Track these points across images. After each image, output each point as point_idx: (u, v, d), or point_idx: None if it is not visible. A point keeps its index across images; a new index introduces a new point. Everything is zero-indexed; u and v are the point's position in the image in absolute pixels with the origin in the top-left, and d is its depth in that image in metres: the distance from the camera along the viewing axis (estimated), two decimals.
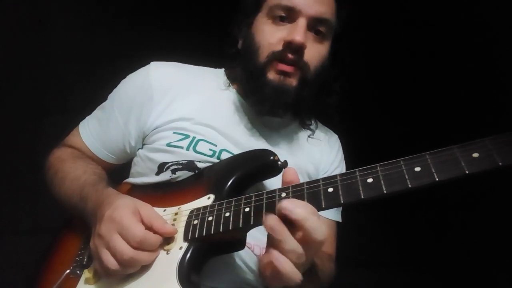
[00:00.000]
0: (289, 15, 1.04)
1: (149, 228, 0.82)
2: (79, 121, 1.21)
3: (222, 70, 1.24)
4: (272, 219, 0.70)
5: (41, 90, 2.04)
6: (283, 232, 0.69)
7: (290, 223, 0.69)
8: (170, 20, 2.11)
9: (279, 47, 1.03)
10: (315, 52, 1.06)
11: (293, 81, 1.04)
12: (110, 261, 0.79)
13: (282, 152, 1.10)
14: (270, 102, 1.05)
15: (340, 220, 1.21)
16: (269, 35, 1.05)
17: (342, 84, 1.20)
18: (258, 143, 1.12)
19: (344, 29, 1.13)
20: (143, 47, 1.97)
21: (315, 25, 1.05)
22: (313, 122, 1.25)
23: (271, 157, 0.96)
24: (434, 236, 2.04)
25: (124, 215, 0.81)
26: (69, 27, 2.06)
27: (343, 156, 1.29)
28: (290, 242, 0.68)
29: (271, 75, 1.04)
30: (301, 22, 1.02)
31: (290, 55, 1.02)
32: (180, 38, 2.00)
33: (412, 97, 2.05)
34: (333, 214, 1.18)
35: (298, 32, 1.00)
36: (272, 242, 0.71)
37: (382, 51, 2.03)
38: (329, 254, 1.14)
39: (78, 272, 0.95)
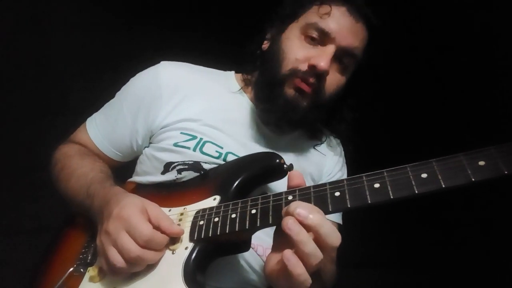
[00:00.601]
0: (321, 38, 1.05)
1: (156, 227, 0.83)
2: (80, 121, 1.22)
3: (232, 72, 1.26)
4: (290, 220, 0.70)
5: (41, 90, 2.03)
6: (302, 233, 0.69)
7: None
8: (171, 20, 2.11)
9: (303, 67, 1.04)
10: (334, 82, 1.07)
11: (305, 102, 1.05)
12: (117, 259, 0.80)
13: (287, 155, 1.12)
14: (278, 114, 1.07)
15: (341, 223, 1.22)
16: (297, 51, 1.06)
17: (355, 114, 1.22)
18: (264, 147, 1.14)
19: (367, 65, 1.14)
20: (144, 48, 1.99)
21: (342, 55, 1.06)
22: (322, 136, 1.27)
23: (277, 160, 0.97)
24: (434, 237, 2.05)
25: (132, 214, 0.81)
26: (69, 27, 2.06)
27: (345, 160, 1.30)
28: (310, 244, 0.69)
29: (288, 90, 1.05)
30: (330, 49, 1.03)
31: (311, 78, 1.03)
32: (180, 38, 2.00)
33: (415, 102, 2.06)
34: (335, 216, 1.20)
35: (324, 58, 1.02)
36: (281, 245, 0.73)
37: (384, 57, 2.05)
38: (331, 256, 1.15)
39: (82, 270, 0.95)
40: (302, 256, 0.68)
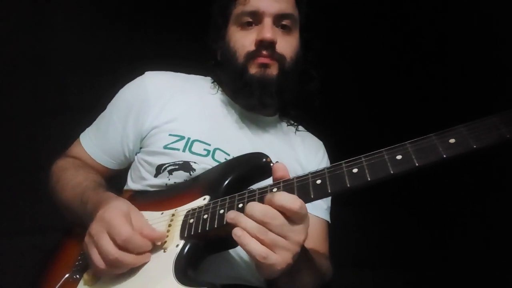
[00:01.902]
0: (255, 19, 1.15)
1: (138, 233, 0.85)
2: (79, 121, 1.27)
3: (210, 77, 1.32)
4: (230, 214, 0.79)
5: (41, 90, 2.06)
6: (238, 216, 0.77)
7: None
8: (170, 22, 2.12)
9: (253, 47, 1.13)
10: (286, 44, 1.16)
11: (273, 71, 1.14)
12: (98, 260, 0.83)
13: (271, 149, 1.16)
14: (257, 94, 1.14)
15: (329, 220, 1.25)
16: (242, 39, 1.16)
17: (319, 69, 1.30)
18: (248, 141, 1.18)
19: (308, 19, 1.24)
20: (142, 49, 2.03)
21: (279, 21, 1.16)
22: (297, 124, 1.35)
23: (264, 159, 0.99)
24: (434, 237, 2.04)
25: (114, 216, 0.84)
26: (69, 27, 2.09)
27: (329, 161, 1.34)
28: (246, 221, 0.75)
29: (253, 70, 1.13)
30: (267, 21, 1.13)
31: (264, 52, 1.12)
32: (178, 41, 2.04)
33: (395, 91, 2.07)
34: (322, 213, 1.23)
35: (266, 30, 1.12)
36: None
37: (365, 47, 2.07)
38: (323, 252, 1.17)
39: (77, 276, 0.97)
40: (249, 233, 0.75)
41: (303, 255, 0.78)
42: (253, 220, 0.75)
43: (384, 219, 1.97)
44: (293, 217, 0.74)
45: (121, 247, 0.82)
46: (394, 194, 1.67)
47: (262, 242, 0.73)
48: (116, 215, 0.84)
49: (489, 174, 1.79)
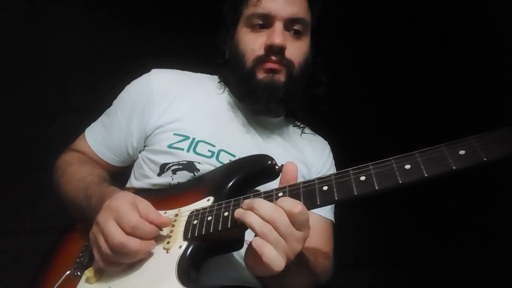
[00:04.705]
0: (265, 22, 1.13)
1: (145, 219, 0.85)
2: (80, 121, 1.26)
3: (217, 76, 1.31)
4: (238, 211, 0.79)
5: (41, 90, 2.06)
6: (248, 216, 0.77)
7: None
8: (171, 21, 2.12)
9: (262, 52, 1.12)
10: (295, 50, 1.15)
11: (281, 77, 1.12)
12: (103, 246, 0.83)
13: (276, 151, 1.16)
14: (263, 100, 1.13)
15: (333, 220, 1.25)
16: (251, 43, 1.14)
17: (328, 74, 1.29)
18: (253, 143, 1.18)
19: (321, 22, 1.23)
20: (143, 49, 2.02)
21: (291, 25, 1.14)
22: (303, 125, 1.35)
23: (269, 162, 0.99)
24: (434, 237, 2.05)
25: (121, 204, 0.85)
26: (69, 27, 2.08)
27: (333, 161, 1.34)
28: (257, 223, 0.75)
29: (261, 75, 1.12)
30: (278, 26, 1.12)
31: (273, 57, 1.11)
32: (180, 40, 2.03)
33: (403, 97, 2.07)
34: (327, 213, 1.23)
35: (276, 35, 1.10)
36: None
37: (371, 50, 2.07)
38: (324, 251, 1.17)
39: (78, 273, 0.97)
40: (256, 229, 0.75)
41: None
42: (260, 217, 0.75)
43: (384, 219, 1.97)
44: (295, 221, 0.75)
45: (130, 233, 0.82)
46: (395, 193, 1.66)
47: (266, 239, 0.74)
48: (123, 203, 0.85)
49: (490, 175, 1.78)
